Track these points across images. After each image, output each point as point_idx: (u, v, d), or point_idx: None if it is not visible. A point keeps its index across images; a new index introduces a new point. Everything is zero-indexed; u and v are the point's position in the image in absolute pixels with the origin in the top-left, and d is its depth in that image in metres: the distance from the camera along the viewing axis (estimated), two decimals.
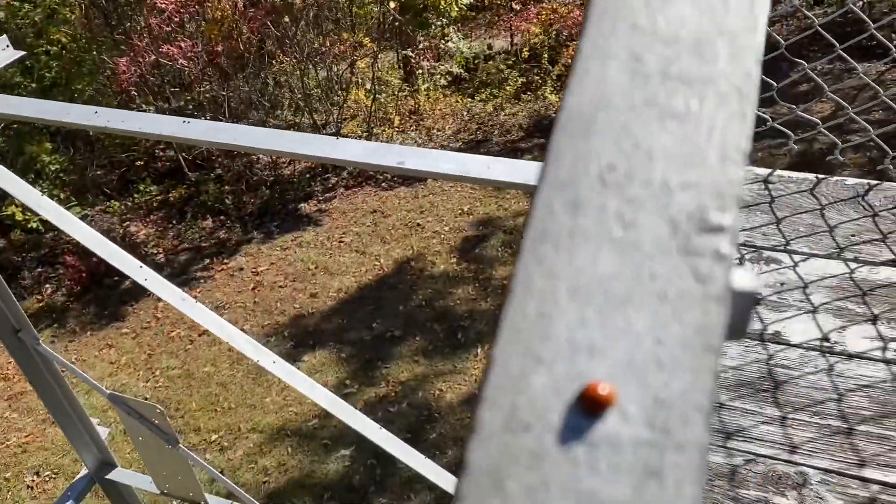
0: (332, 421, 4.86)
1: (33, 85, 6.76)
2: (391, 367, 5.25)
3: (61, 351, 5.78)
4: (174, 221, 7.06)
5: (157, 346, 5.76)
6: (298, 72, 7.28)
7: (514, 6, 7.57)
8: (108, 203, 7.28)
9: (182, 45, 5.80)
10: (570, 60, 7.36)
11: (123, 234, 6.89)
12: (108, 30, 7.33)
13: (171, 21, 5.78)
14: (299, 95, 7.37)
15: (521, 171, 1.15)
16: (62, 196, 6.80)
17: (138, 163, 7.59)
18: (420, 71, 7.31)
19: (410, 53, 7.19)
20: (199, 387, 5.41)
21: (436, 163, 1.19)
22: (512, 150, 6.86)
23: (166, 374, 5.50)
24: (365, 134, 7.28)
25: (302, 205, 6.89)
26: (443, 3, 6.61)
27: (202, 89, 6.43)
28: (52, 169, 6.89)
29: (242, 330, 5.79)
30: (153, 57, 5.94)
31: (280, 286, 6.05)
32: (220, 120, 7.27)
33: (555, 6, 6.85)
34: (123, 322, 6.07)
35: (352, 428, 1.74)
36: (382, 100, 7.19)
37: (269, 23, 6.32)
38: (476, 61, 7.22)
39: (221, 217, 6.93)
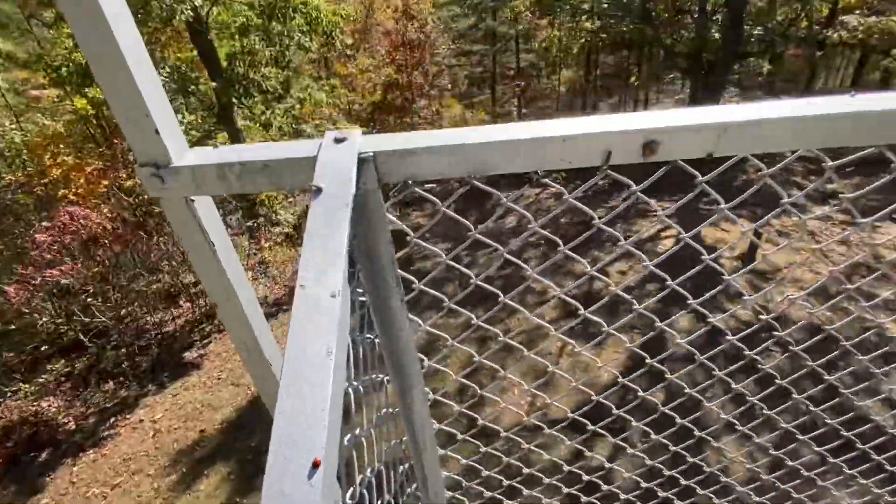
0: None
1: None
2: None
3: None
4: (80, 390, 8.33)
5: None
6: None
7: None
8: (19, 387, 8.48)
9: (63, 267, 7.32)
10: None
11: (36, 410, 8.09)
12: None
13: (51, 249, 7.30)
14: (175, 265, 8.95)
15: None
16: None
17: (44, 347, 8.86)
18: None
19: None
20: None
21: None
22: None
23: None
24: None
25: (186, 353, 8.34)
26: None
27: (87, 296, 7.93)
28: None
29: (147, 476, 7.14)
30: (38, 280, 7.40)
31: (175, 428, 7.43)
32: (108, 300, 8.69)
33: None
34: (43, 494, 7.24)
35: None
36: None
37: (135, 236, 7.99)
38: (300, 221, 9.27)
39: (121, 378, 8.27)
